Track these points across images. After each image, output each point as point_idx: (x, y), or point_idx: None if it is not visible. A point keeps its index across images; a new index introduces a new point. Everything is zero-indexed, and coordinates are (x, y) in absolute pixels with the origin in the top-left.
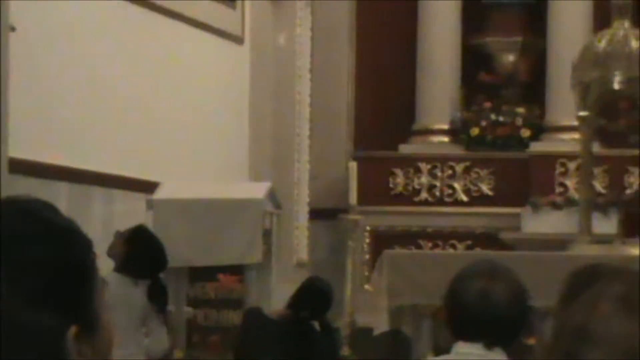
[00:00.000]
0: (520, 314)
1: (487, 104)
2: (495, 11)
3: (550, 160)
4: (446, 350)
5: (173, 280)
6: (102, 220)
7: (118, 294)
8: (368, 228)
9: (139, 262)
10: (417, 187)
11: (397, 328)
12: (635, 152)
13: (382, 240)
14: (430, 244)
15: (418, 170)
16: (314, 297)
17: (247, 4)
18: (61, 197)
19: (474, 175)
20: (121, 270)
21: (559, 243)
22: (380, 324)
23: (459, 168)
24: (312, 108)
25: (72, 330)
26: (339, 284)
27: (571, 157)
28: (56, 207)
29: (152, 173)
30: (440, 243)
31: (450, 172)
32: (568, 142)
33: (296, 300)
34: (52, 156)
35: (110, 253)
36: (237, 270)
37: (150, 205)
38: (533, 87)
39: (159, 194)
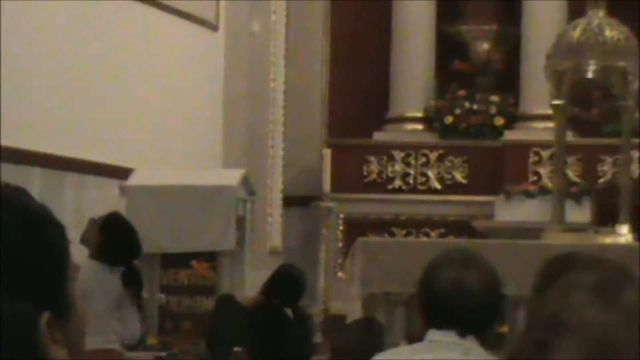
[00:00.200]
0: (493, 302)
1: (461, 92)
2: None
3: (523, 148)
4: (419, 338)
5: (146, 267)
6: (74, 207)
7: (93, 281)
8: (341, 215)
9: (113, 249)
10: (390, 174)
11: (370, 316)
12: (609, 141)
13: (356, 228)
14: (403, 232)
15: (392, 158)
16: (287, 284)
17: None
18: (33, 182)
19: (447, 163)
20: (96, 257)
21: (532, 231)
22: (353, 312)
23: (433, 156)
24: (286, 95)
25: (45, 317)
26: (312, 272)
27: (545, 145)
28: (29, 193)
29: (125, 159)
30: (413, 231)
31: (423, 160)
32: (542, 130)
33: (269, 287)
34: (24, 141)
35: (84, 240)
36: (210, 257)
37: (123, 191)
38: (507, 76)
39: (133, 180)
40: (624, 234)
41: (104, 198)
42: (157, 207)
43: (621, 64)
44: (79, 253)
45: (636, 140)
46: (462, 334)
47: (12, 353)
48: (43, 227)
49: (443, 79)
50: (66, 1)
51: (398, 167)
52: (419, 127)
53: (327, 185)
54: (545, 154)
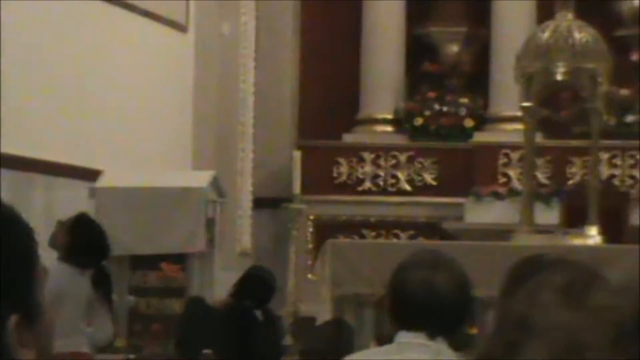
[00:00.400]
0: (463, 303)
1: (431, 94)
2: (440, 1)
3: (493, 150)
4: (389, 339)
5: (115, 269)
6: (43, 209)
7: (63, 283)
8: (311, 217)
9: (82, 251)
10: (360, 176)
11: (340, 317)
12: (578, 142)
13: (326, 230)
14: (373, 234)
15: (362, 160)
16: (257, 286)
17: None
18: (2, 184)
19: (417, 165)
20: (65, 259)
21: (502, 233)
22: (323, 313)
23: (403, 158)
24: (256, 97)
25: (13, 319)
26: (282, 273)
27: (514, 147)
28: None
29: (94, 161)
30: (383, 232)
31: (393, 161)
32: (511, 132)
33: (239, 289)
34: None
35: (53, 243)
36: (179, 258)
37: (92, 193)
38: (477, 78)
39: (102, 182)
40: (592, 235)
41: (73, 200)
42: (126, 209)
43: (590, 66)
44: (48, 256)
45: (605, 142)
46: (432, 335)
47: None
48: (10, 228)
49: (413, 80)
50: (33, 1)
51: (368, 168)
52: (389, 128)
53: (297, 186)
54: (514, 155)
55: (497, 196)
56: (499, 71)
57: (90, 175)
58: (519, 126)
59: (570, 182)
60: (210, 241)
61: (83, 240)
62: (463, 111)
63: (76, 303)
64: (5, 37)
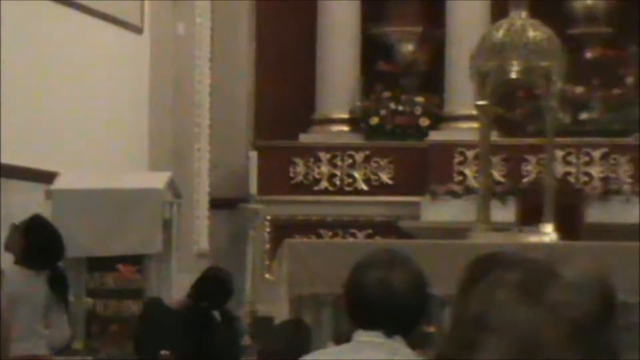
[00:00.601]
0: (420, 302)
1: (387, 94)
2: (395, 1)
3: (449, 149)
4: (347, 338)
5: (72, 271)
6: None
7: (19, 286)
8: (268, 217)
9: (37, 253)
10: (317, 176)
11: (297, 317)
12: (533, 140)
13: (283, 230)
14: (330, 233)
15: (318, 160)
16: (215, 287)
17: None
18: None
19: (373, 164)
20: (21, 262)
21: (458, 231)
22: (281, 313)
23: (359, 157)
24: (212, 97)
25: None
26: (240, 274)
27: (470, 146)
28: None
29: (50, 163)
30: (340, 232)
31: (350, 161)
32: (467, 131)
33: (196, 290)
34: None
35: (8, 246)
36: (136, 260)
37: (49, 195)
38: (432, 77)
39: (58, 185)
40: (548, 232)
41: (29, 203)
42: (83, 211)
43: (544, 64)
44: (4, 260)
45: (560, 139)
46: (389, 334)
47: None
48: None
49: (368, 80)
50: None
51: (324, 168)
52: (345, 128)
53: (253, 187)
54: (470, 154)
55: (453, 194)
56: (454, 70)
57: (46, 177)
58: (474, 125)
59: (526, 179)
60: (167, 242)
61: (37, 242)
62: (418, 110)
63: (32, 305)
64: None
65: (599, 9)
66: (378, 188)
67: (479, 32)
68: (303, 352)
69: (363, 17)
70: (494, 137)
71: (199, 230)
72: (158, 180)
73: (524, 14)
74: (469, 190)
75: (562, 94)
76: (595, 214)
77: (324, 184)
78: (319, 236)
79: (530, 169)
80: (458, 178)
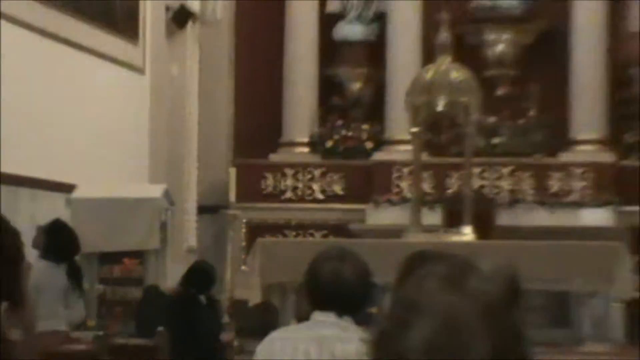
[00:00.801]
0: (364, 289)
1: (339, 122)
2: (345, 47)
3: (388, 166)
4: (306, 318)
5: (86, 264)
6: (29, 217)
7: (43, 276)
8: (244, 221)
9: (57, 249)
10: (283, 188)
11: (267, 301)
12: (454, 160)
13: (256, 231)
14: (294, 233)
15: (284, 175)
16: (201, 276)
17: (148, 41)
18: None
19: (328, 178)
20: (44, 257)
21: (395, 232)
22: (254, 298)
23: (317, 173)
24: (199, 125)
25: (4, 306)
26: (221, 266)
27: (405, 164)
28: None
29: (70, 177)
30: (301, 233)
31: (309, 176)
32: (402, 152)
33: (186, 279)
34: None
35: (34, 244)
36: (138, 255)
37: (68, 203)
38: (375, 109)
39: (76, 194)
40: (467, 233)
41: (52, 209)
42: (96, 215)
43: (464, 99)
44: (31, 255)
45: (476, 159)
46: (340, 314)
47: None
48: (1, 234)
49: (324, 111)
50: (24, 52)
51: (289, 181)
52: (306, 150)
53: (232, 196)
54: (405, 170)
55: (392, 203)
56: (393, 104)
57: (67, 188)
58: (409, 147)
59: (449, 191)
60: (163, 241)
61: (58, 240)
62: (364, 135)
63: (54, 291)
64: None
65: (507, 55)
66: (332, 197)
67: (412, 73)
68: (271, 329)
69: (320, 61)
70: (424, 157)
71: (189, 231)
72: (156, 190)
73: (448, 59)
74: (404, 200)
75: (478, 123)
76: (504, 218)
77: (289, 194)
78: (285, 236)
79: (452, 183)
80: (396, 190)
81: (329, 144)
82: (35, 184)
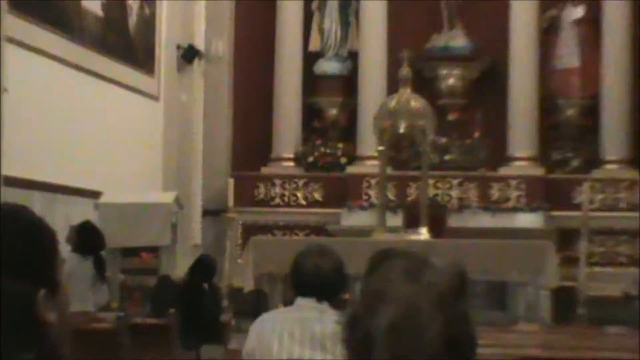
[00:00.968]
0: (339, 279)
1: (319, 141)
2: (324, 80)
3: (359, 178)
4: (291, 302)
5: (111, 257)
6: (63, 218)
7: (75, 267)
8: (240, 222)
9: (86, 245)
10: (272, 195)
11: (259, 288)
12: (413, 173)
13: (250, 230)
14: (281, 233)
15: (274, 184)
16: (204, 268)
17: (162, 74)
18: (35, 201)
19: (310, 187)
20: (75, 250)
21: (365, 232)
22: (248, 285)
23: (300, 183)
24: (204, 143)
25: (42, 292)
26: (221, 259)
27: (373, 176)
28: (31, 209)
29: (98, 185)
30: (287, 232)
31: (294, 185)
32: (371, 166)
33: (192, 270)
34: (27, 172)
35: (68, 241)
36: (153, 249)
37: (96, 207)
38: (349, 131)
39: (102, 200)
40: (423, 233)
41: (83, 212)
42: (118, 217)
43: (421, 123)
44: (65, 250)
45: (431, 172)
46: (319, 300)
47: (21, 315)
48: (40, 232)
49: (307, 132)
50: (62, 83)
51: (277, 190)
52: (291, 164)
53: (231, 202)
54: (373, 181)
55: (362, 208)
56: (363, 126)
57: (95, 195)
58: (376, 162)
59: (409, 198)
60: (174, 238)
61: (86, 238)
62: (340, 152)
63: (83, 279)
64: (44, 105)
65: (457, 87)
66: (312, 203)
67: (379, 102)
68: (262, 311)
69: (303, 91)
70: (389, 170)
71: (194, 230)
72: (167, 197)
73: (408, 90)
74: (372, 205)
75: (433, 142)
76: (454, 221)
77: (277, 200)
78: (274, 234)
79: (411, 191)
80: (365, 197)
81: (311, 159)
82: (68, 191)
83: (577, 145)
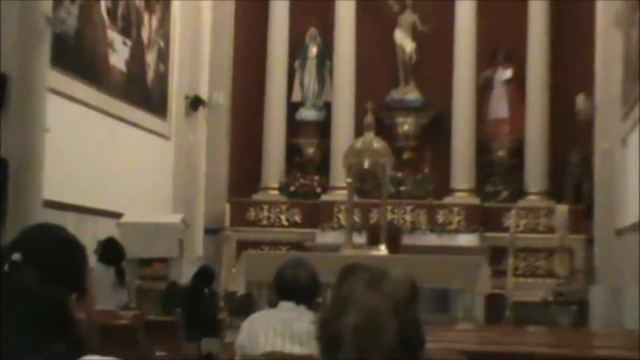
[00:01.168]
0: (314, 286)
1: (299, 174)
2: (303, 125)
3: (331, 204)
4: (275, 305)
5: (130, 266)
6: (91, 235)
7: (100, 274)
8: (235, 239)
9: (109, 256)
10: (261, 217)
11: (249, 292)
12: (376, 200)
13: (242, 245)
14: (268, 248)
15: (262, 209)
16: (205, 275)
17: (173, 118)
18: (69, 222)
19: (291, 211)
20: (100, 260)
21: (335, 248)
22: (240, 290)
23: (284, 207)
24: (206, 175)
25: (73, 295)
26: (219, 269)
27: (342, 203)
28: (65, 228)
29: (119, 208)
30: (273, 247)
31: (279, 209)
32: (341, 195)
33: (195, 277)
34: (64, 197)
35: (95, 252)
36: (164, 260)
37: (118, 226)
38: (323, 165)
39: (123, 220)
40: (383, 250)
41: (107, 230)
42: (136, 234)
43: (382, 160)
44: (93, 260)
45: (390, 200)
46: (298, 303)
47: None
48: (73, 247)
49: (289, 167)
50: (84, 124)
51: (265, 213)
52: (276, 192)
53: (227, 222)
54: (342, 207)
55: (333, 228)
56: (335, 162)
57: (117, 215)
58: (345, 192)
59: (371, 221)
60: (181, 251)
61: (109, 250)
62: (315, 183)
63: (106, 284)
64: (83, 145)
65: (410, 132)
66: (293, 224)
67: (348, 142)
68: (252, 311)
69: (287, 133)
70: (355, 198)
71: (198, 245)
72: (176, 218)
73: (371, 134)
74: (341, 226)
75: (391, 176)
76: (407, 240)
77: (265, 221)
78: (262, 249)
79: (374, 216)
80: (336, 220)
81: (292, 188)
82: (96, 212)
83: (506, 180)
